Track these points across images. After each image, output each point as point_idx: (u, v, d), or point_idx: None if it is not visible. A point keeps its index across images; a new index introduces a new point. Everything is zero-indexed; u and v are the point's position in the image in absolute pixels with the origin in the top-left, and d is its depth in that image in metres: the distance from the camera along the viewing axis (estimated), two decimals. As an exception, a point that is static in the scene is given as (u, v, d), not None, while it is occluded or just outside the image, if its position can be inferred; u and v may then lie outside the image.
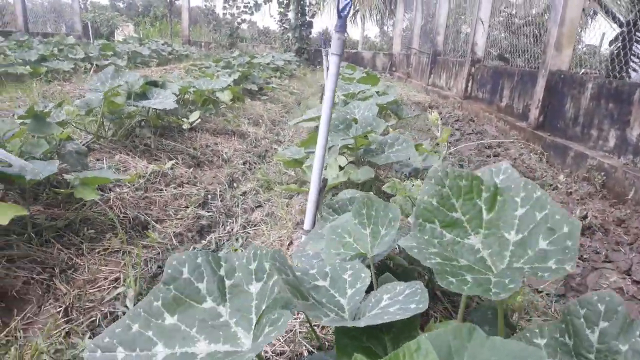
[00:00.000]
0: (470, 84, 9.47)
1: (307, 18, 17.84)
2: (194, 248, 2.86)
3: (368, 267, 1.39)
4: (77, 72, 8.74)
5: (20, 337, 1.83)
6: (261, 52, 17.75)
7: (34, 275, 2.14)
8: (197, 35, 20.69)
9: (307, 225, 2.24)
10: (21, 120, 2.81)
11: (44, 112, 2.93)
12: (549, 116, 5.96)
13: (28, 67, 7.41)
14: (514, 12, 9.56)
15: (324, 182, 2.26)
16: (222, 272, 1.17)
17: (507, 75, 7.63)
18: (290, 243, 2.73)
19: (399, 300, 1.10)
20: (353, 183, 3.10)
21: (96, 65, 9.14)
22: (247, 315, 1.11)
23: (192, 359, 1.04)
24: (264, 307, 1.08)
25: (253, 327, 1.08)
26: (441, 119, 8.26)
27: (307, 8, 17.77)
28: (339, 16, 1.99)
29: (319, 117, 4.86)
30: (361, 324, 1.00)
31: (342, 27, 2.00)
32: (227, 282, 1.16)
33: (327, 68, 6.19)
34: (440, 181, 1.26)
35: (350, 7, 2.01)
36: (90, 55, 9.97)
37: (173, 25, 21.98)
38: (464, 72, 9.63)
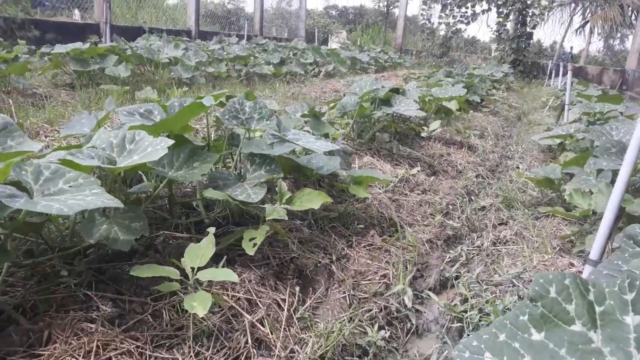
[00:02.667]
0: None
1: (528, 29, 16.87)
2: (449, 257, 2.89)
3: None
4: (307, 75, 9.54)
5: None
6: (473, 62, 17.34)
7: (320, 260, 2.37)
8: (407, 44, 21.07)
9: (594, 255, 2.08)
10: (304, 119, 3.13)
11: (320, 112, 3.23)
12: None
13: (272, 67, 8.31)
14: None
15: (620, 210, 2.08)
16: (590, 296, 1.14)
17: None
18: (555, 270, 2.58)
19: None
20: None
21: (324, 69, 9.86)
22: (625, 348, 1.05)
23: (567, 378, 1.03)
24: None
25: (635, 361, 1.02)
26: (697, 149, 7.09)
27: (528, 18, 16.79)
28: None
29: (564, 136, 4.55)
30: None
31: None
32: (597, 309, 1.12)
33: (571, 84, 5.73)
34: None
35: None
36: (317, 60, 10.81)
37: (385, 33, 22.69)
38: None
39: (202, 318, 1.73)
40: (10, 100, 4.08)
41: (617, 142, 3.14)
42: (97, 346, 1.49)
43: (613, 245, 2.29)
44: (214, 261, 2.06)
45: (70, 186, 1.33)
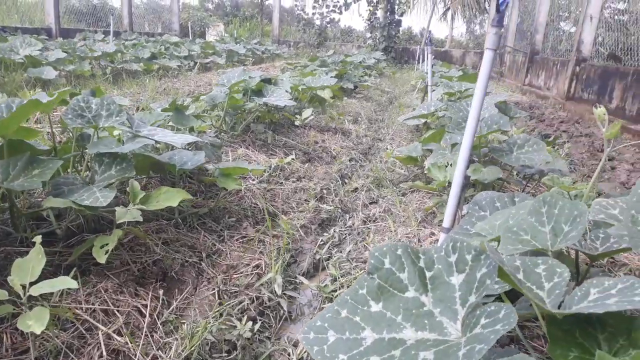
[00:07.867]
0: (574, 85, 8.97)
1: (396, 17, 17.72)
2: (322, 240, 2.94)
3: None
4: (182, 69, 9.22)
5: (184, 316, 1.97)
6: (348, 51, 17.85)
7: (187, 259, 2.29)
8: (285, 35, 21.16)
9: (446, 222, 2.22)
10: (165, 113, 3.00)
11: (183, 106, 3.12)
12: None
13: (141, 64, 7.91)
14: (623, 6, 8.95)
15: (466, 179, 2.23)
16: (421, 263, 1.20)
17: (619, 75, 7.15)
18: (419, 240, 2.73)
19: (613, 295, 1.07)
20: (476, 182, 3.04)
21: (199, 63, 9.59)
22: (451, 306, 1.12)
23: (401, 344, 1.07)
24: (472, 299, 1.09)
25: (460, 317, 1.09)
26: (544, 120, 7.91)
27: (396, 6, 17.63)
28: (497, 10, 1.96)
29: (426, 115, 4.82)
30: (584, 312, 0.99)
31: (499, 22, 1.97)
32: (428, 274, 1.18)
33: (432, 65, 6.06)
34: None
35: (508, 3, 1.97)
36: (192, 53, 10.49)
37: (262, 25, 22.61)
38: (566, 72, 9.14)
39: (50, 337, 1.59)
40: None
41: (467, 116, 3.39)
42: None
43: (463, 212, 2.47)
44: (66, 273, 1.91)
45: None
